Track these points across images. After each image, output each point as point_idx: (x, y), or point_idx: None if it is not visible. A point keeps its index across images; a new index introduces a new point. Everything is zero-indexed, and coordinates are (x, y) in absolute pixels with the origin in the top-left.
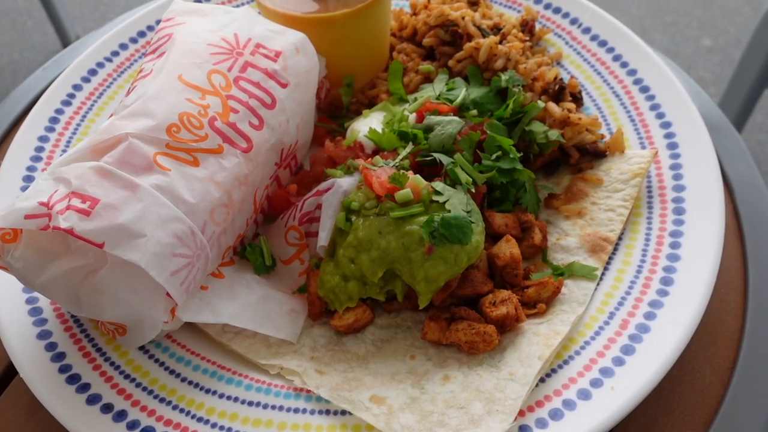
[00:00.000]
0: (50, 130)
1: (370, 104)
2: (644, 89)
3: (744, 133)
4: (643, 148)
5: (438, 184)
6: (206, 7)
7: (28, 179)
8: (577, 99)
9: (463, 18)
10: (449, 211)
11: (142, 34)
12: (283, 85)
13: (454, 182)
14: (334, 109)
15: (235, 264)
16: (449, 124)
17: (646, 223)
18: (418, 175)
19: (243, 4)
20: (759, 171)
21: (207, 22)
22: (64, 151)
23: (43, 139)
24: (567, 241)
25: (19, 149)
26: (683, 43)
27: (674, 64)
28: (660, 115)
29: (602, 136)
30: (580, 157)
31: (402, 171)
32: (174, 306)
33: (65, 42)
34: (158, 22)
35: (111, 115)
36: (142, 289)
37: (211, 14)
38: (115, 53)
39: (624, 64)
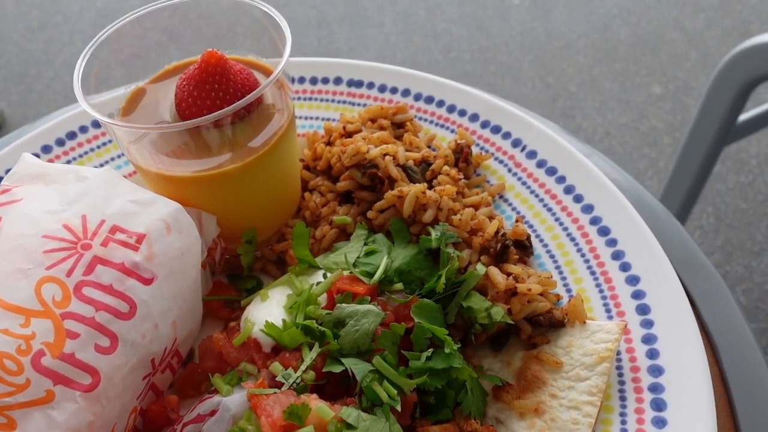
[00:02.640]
0: None
1: (279, 260)
2: (604, 231)
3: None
4: (608, 310)
5: (350, 413)
6: (56, 169)
7: None
8: (525, 247)
9: (383, 156)
10: None
11: None
12: (147, 281)
13: (374, 402)
14: (234, 268)
15: None
16: (365, 317)
17: (619, 423)
18: (322, 405)
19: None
20: (744, 317)
21: (51, 195)
22: None
23: None
24: None
25: None
26: (633, 90)
27: (637, 184)
28: (625, 266)
29: (558, 297)
30: (533, 330)
31: (301, 399)
32: None
33: None
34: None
35: None
36: None
37: (60, 180)
38: None
39: (578, 198)
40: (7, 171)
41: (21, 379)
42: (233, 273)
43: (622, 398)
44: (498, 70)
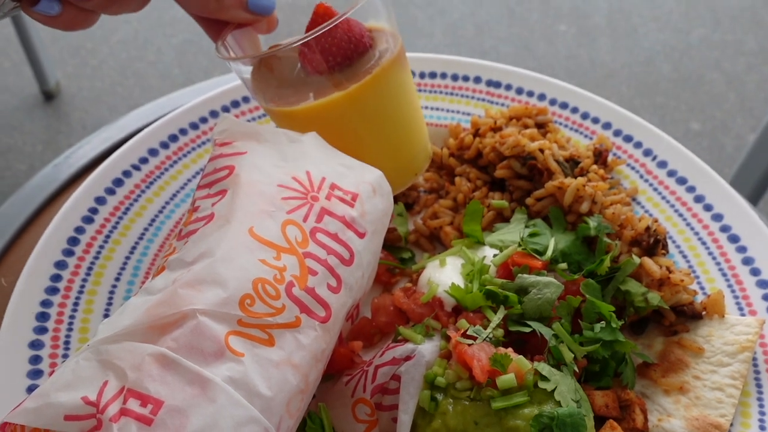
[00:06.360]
0: (69, 253)
1: (431, 236)
2: (733, 238)
3: None
4: (740, 308)
5: (543, 367)
6: (265, 130)
7: (43, 317)
8: (664, 246)
9: (542, 151)
10: (558, 402)
11: (174, 138)
12: (361, 235)
13: (558, 361)
14: (388, 239)
15: None
16: (546, 288)
17: (757, 406)
18: (521, 357)
19: None
20: None
21: (271, 152)
22: (84, 280)
23: (61, 264)
24: (671, 423)
25: (33, 278)
26: (672, 125)
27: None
28: (755, 271)
29: (695, 293)
30: (675, 318)
31: (501, 350)
32: None
33: (43, 87)
34: (193, 125)
35: (162, 269)
36: None
37: (272, 140)
38: (144, 160)
39: (708, 207)
40: (170, 136)
41: (279, 303)
42: (389, 245)
43: (758, 385)
44: None
